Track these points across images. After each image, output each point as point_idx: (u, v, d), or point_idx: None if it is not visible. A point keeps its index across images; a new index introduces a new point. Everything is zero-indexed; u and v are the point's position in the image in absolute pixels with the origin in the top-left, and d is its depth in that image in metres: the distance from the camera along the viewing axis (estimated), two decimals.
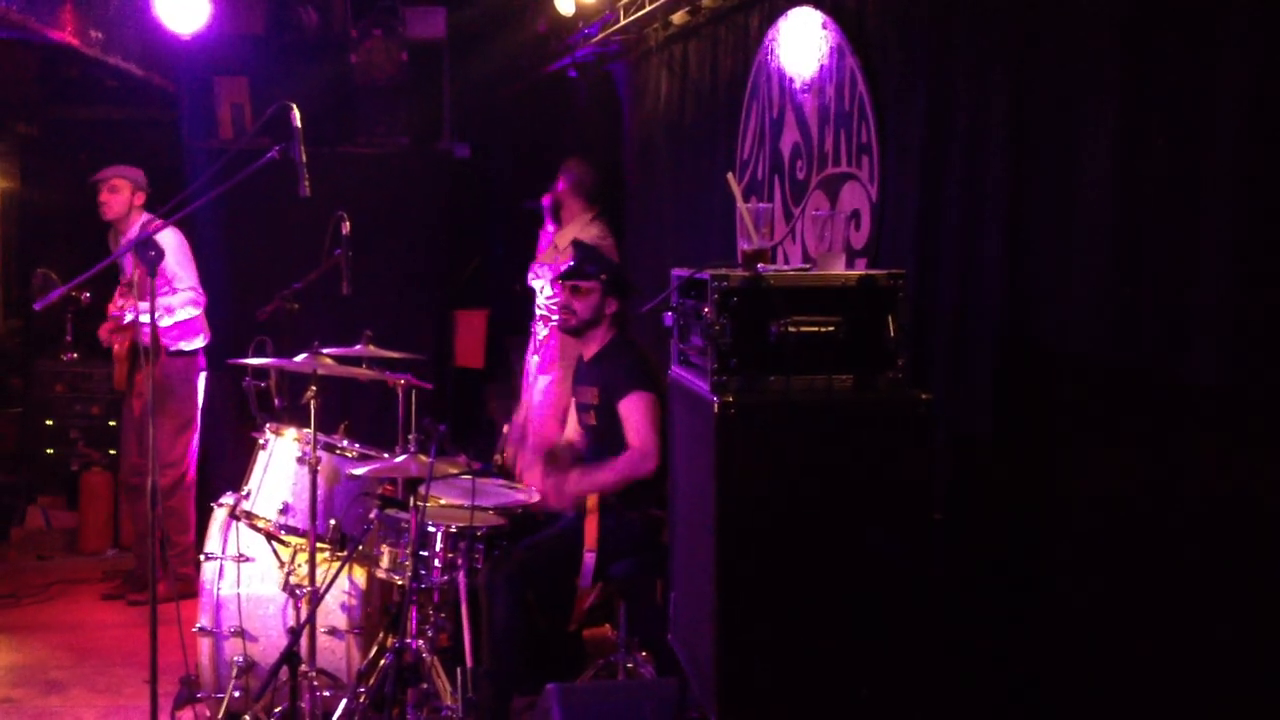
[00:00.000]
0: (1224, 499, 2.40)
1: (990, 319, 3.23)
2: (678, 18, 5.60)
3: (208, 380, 6.81)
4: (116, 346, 6.66)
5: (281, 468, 4.76)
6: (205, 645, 4.89)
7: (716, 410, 2.90)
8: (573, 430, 5.20)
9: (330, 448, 4.75)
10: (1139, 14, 2.66)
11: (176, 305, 6.51)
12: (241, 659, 4.84)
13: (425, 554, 4.57)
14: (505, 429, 5.24)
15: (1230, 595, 2.39)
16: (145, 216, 6.61)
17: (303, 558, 4.67)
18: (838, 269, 3.19)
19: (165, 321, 6.46)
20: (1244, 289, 2.36)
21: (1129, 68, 2.68)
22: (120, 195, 6.62)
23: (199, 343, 6.72)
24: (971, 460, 3.34)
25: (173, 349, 6.59)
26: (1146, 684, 2.62)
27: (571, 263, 4.95)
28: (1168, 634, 2.55)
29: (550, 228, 6.70)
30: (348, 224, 4.96)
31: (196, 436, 6.76)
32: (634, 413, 4.66)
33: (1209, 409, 2.45)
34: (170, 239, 6.44)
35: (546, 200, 6.71)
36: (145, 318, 5.63)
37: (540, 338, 6.56)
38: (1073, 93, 2.88)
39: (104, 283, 6.49)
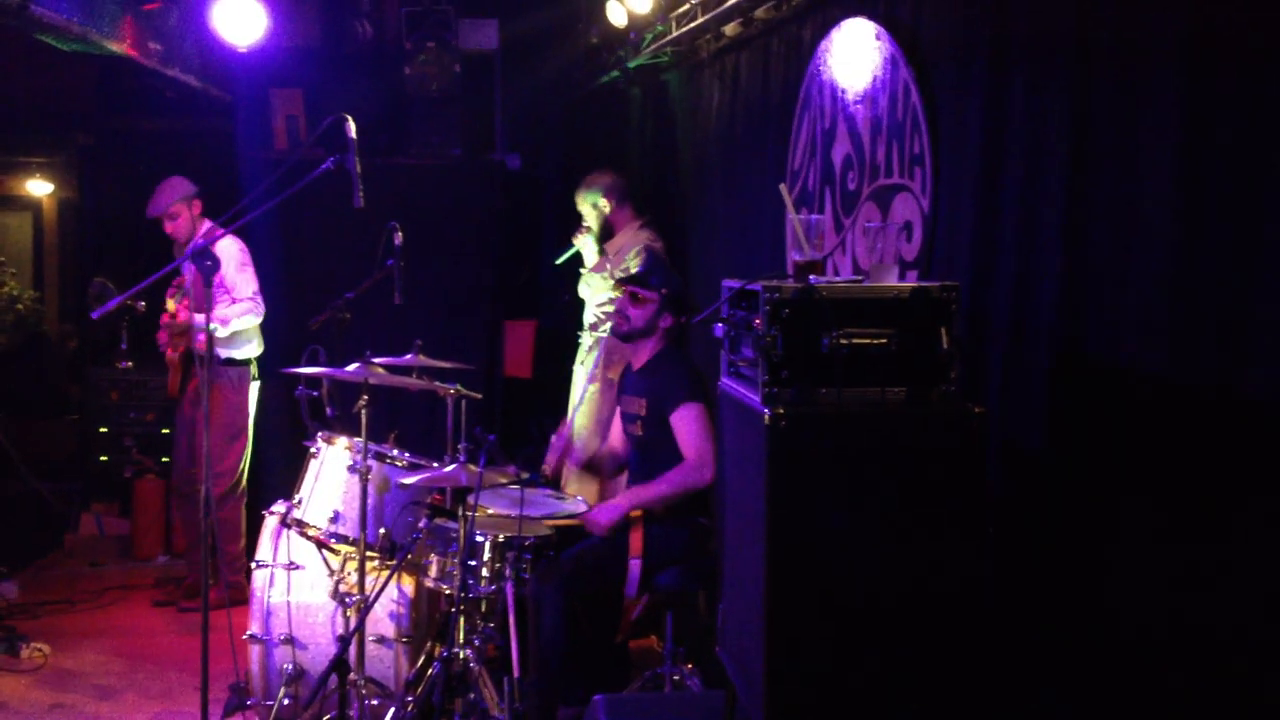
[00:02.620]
0: None
1: (1045, 332, 3.20)
2: (730, 29, 5.60)
3: (260, 389, 6.86)
4: (170, 353, 6.72)
5: (332, 476, 4.79)
6: (255, 652, 4.92)
7: (768, 422, 2.89)
8: (616, 439, 5.20)
9: (381, 457, 4.78)
10: (1200, 27, 2.62)
11: (233, 316, 6.56)
12: (291, 666, 4.87)
13: (473, 563, 4.58)
14: (553, 439, 5.25)
15: None
16: (207, 225, 6.68)
17: (352, 566, 4.70)
18: (890, 281, 3.17)
19: (221, 332, 6.51)
20: None
21: (1189, 79, 2.64)
22: (182, 218, 6.68)
23: (252, 351, 6.78)
24: (1026, 474, 3.30)
25: (225, 357, 6.65)
26: (1206, 707, 2.57)
27: (640, 268, 4.95)
28: (1229, 655, 2.51)
29: (602, 254, 6.62)
30: (400, 234, 4.99)
31: (248, 445, 6.82)
32: (687, 424, 4.66)
33: (1269, 425, 2.41)
34: (230, 248, 6.50)
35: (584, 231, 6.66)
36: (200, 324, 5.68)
37: (586, 346, 6.56)
38: (1132, 104, 2.84)
39: (161, 292, 6.57)
